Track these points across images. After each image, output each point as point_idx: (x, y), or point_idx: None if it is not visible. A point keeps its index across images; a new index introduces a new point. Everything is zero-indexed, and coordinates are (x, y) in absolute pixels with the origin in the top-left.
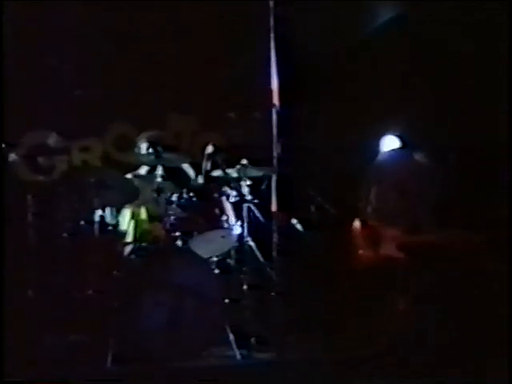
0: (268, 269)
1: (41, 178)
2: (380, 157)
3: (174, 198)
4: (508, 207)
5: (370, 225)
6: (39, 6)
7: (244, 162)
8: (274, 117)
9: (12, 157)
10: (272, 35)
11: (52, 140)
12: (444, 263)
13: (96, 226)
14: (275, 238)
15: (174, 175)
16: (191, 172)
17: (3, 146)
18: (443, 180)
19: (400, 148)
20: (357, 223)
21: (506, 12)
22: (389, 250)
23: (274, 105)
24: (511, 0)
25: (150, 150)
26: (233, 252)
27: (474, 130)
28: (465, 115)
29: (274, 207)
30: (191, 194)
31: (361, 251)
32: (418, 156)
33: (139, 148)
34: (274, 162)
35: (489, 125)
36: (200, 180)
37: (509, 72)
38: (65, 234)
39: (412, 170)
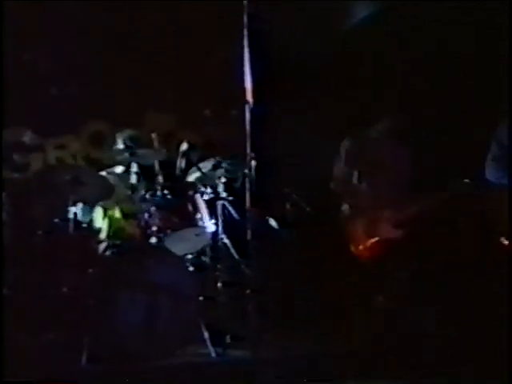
0: (243, 266)
1: (15, 175)
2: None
3: (148, 195)
4: (508, 208)
5: (363, 213)
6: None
7: (219, 159)
8: (248, 114)
9: None
10: (245, 32)
11: (27, 137)
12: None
13: (71, 224)
14: (250, 235)
15: (149, 173)
16: None
17: None
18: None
19: None
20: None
21: (506, 12)
22: (387, 232)
23: (248, 102)
24: (511, 0)
25: (122, 147)
26: (207, 249)
27: (473, 130)
28: (465, 115)
29: (247, 204)
30: (165, 192)
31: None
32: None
33: (116, 145)
34: (248, 159)
35: (489, 125)
36: None
37: (509, 72)
38: (39, 232)
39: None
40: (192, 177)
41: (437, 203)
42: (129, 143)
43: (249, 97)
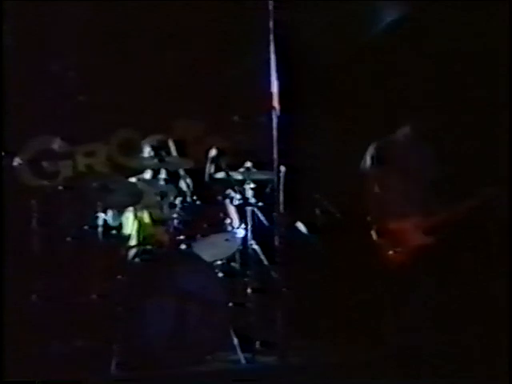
0: (272, 272)
1: (45, 182)
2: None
3: (178, 201)
4: (508, 207)
5: (391, 221)
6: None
7: (248, 165)
8: (275, 120)
9: (16, 161)
10: (271, 38)
11: (56, 145)
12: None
13: (100, 230)
14: (280, 241)
15: (178, 179)
16: None
17: (3, 153)
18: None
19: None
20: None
21: (506, 12)
22: (417, 239)
23: (274, 108)
24: (511, 0)
25: (152, 154)
26: (237, 255)
27: (473, 130)
28: (465, 115)
29: (280, 209)
30: (194, 198)
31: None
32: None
33: (143, 152)
34: (275, 165)
35: (489, 125)
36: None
37: (509, 72)
38: (69, 239)
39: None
40: (221, 182)
41: (467, 209)
42: (157, 148)
43: (275, 103)
